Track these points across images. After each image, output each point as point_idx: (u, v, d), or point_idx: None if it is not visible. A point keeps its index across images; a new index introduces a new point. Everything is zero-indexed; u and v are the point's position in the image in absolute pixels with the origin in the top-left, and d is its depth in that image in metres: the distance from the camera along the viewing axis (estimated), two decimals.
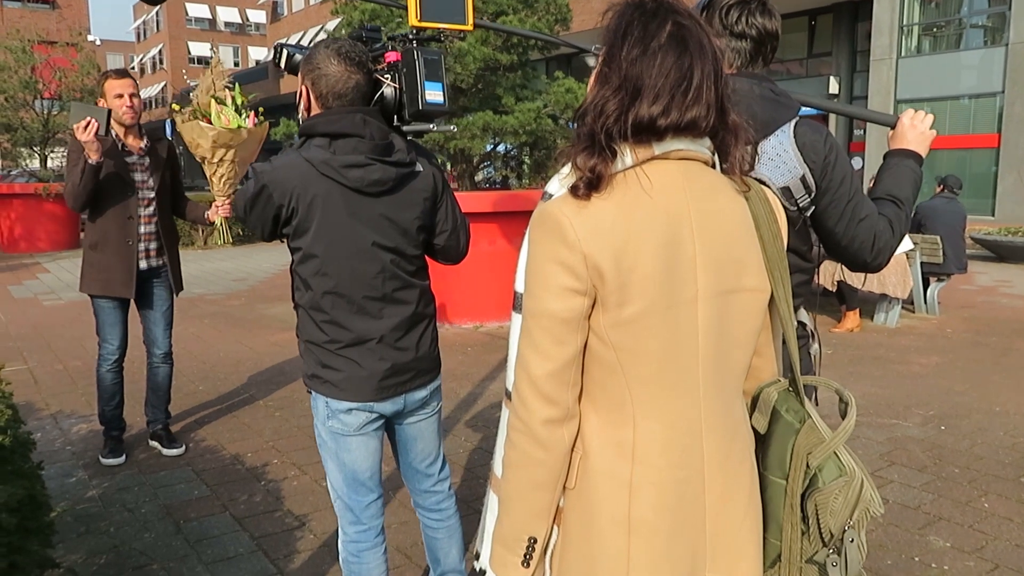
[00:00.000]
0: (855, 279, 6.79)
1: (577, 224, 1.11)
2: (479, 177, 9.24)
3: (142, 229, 3.72)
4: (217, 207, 3.51)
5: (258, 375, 5.51)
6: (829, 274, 6.91)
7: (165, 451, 3.96)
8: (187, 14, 57.92)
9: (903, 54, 19.77)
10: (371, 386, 1.97)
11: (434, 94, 1.99)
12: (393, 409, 2.05)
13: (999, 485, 3.62)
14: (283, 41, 2.28)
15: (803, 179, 1.69)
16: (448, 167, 9.00)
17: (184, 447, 4.02)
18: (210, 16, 58.80)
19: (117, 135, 3.66)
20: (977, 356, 6.04)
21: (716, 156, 1.22)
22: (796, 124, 1.71)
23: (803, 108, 1.82)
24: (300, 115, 2.00)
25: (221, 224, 3.57)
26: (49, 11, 37.30)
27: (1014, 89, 17.44)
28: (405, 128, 2.03)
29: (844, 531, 1.22)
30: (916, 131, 1.85)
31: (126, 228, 3.67)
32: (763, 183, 1.71)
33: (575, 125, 1.21)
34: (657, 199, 1.13)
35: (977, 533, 3.16)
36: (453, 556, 2.27)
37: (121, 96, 3.61)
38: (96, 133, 3.35)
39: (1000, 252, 11.74)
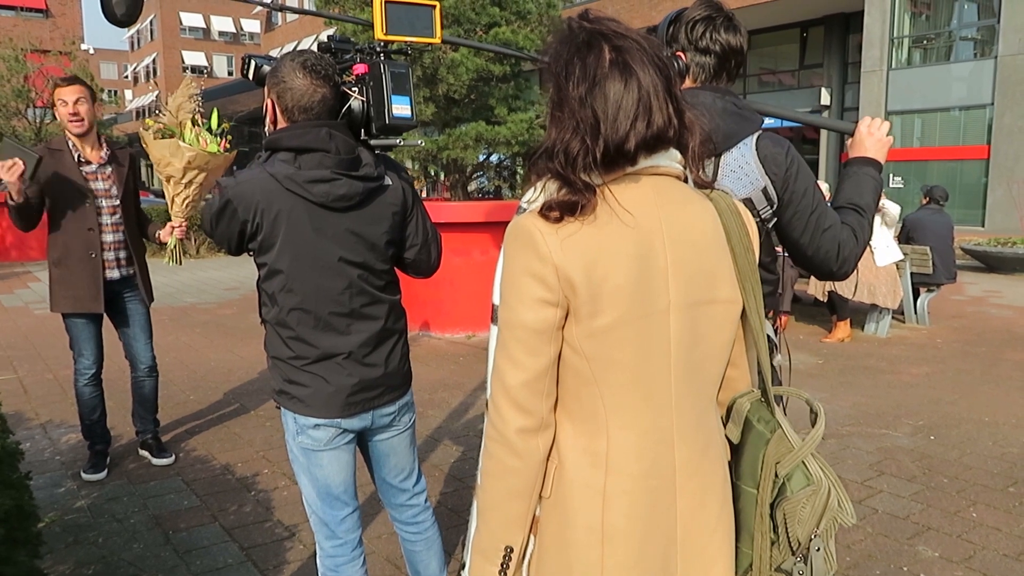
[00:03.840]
0: (846, 289, 6.82)
1: (549, 237, 1.13)
2: (472, 187, 9.26)
3: (108, 238, 3.63)
4: (172, 227, 3.46)
5: (249, 384, 5.50)
6: (820, 284, 6.95)
7: (155, 460, 3.95)
8: (181, 23, 58.00)
9: (894, 66, 19.93)
10: (338, 402, 1.95)
11: (401, 108, 1.98)
12: (361, 425, 2.03)
13: (987, 495, 3.63)
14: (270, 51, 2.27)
15: (765, 191, 1.72)
16: (441, 177, 9.03)
17: (174, 456, 4.01)
18: (204, 25, 58.88)
19: (74, 144, 3.57)
20: (966, 366, 6.08)
21: (687, 170, 1.24)
22: (759, 137, 1.74)
23: (766, 121, 1.85)
24: (266, 128, 1.98)
25: (174, 246, 3.51)
26: (43, 20, 37.30)
27: (1003, 101, 17.58)
28: (373, 142, 2.01)
29: (811, 540, 1.24)
30: (873, 138, 1.88)
31: (87, 240, 3.56)
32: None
33: (533, 164, 1.21)
34: (628, 213, 1.15)
35: (965, 543, 3.17)
36: (433, 568, 2.27)
37: (65, 103, 3.46)
38: (22, 175, 3.23)
39: (990, 263, 11.81)
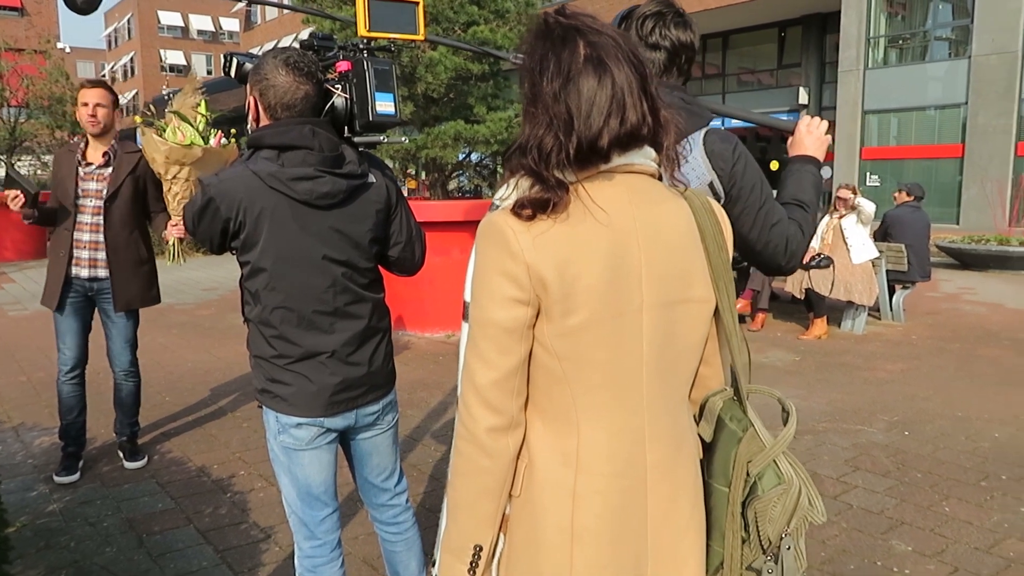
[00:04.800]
0: (822, 287, 6.88)
1: (521, 235, 1.13)
2: (452, 186, 9.24)
3: (85, 237, 3.64)
4: (172, 226, 3.43)
5: (227, 386, 5.46)
6: (797, 282, 7.01)
7: (127, 464, 3.91)
8: (159, 22, 57.41)
9: (870, 65, 20.13)
10: (321, 401, 1.94)
11: (385, 105, 1.97)
12: (344, 424, 2.02)
13: (960, 489, 3.68)
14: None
15: (711, 185, 1.74)
16: (423, 176, 9.01)
17: (146, 459, 3.97)
18: (183, 24, 58.32)
19: (84, 146, 3.68)
20: (941, 362, 6.15)
21: (662, 168, 1.24)
22: (707, 133, 1.76)
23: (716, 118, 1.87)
24: (249, 126, 1.96)
25: (174, 244, 3.48)
26: (18, 18, 36.80)
27: (977, 100, 17.82)
28: (357, 139, 2.00)
29: (782, 538, 1.24)
30: (812, 137, 1.90)
31: (62, 239, 3.65)
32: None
33: (507, 160, 1.21)
34: (602, 211, 1.15)
35: (938, 537, 3.21)
36: (412, 568, 2.26)
37: (86, 105, 3.60)
38: (24, 205, 3.49)
39: (964, 260, 11.97)
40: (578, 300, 1.12)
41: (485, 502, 1.19)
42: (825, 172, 21.21)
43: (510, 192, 1.20)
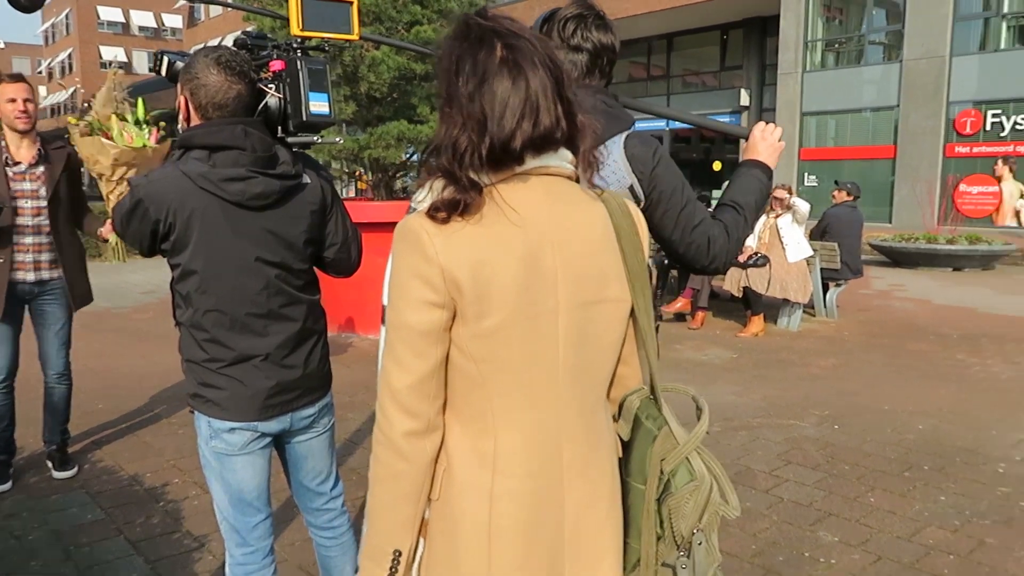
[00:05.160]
0: (759, 285, 7.05)
1: (436, 237, 1.14)
2: (398, 186, 9.19)
3: (28, 240, 3.55)
4: (111, 225, 3.38)
5: (163, 392, 5.34)
6: (735, 280, 7.17)
7: (55, 474, 3.80)
8: (99, 18, 55.65)
9: (808, 68, 20.66)
10: (255, 405, 1.92)
11: (319, 105, 1.97)
12: (279, 428, 2.00)
13: (885, 480, 3.82)
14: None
15: (632, 188, 1.77)
16: (368, 176, 8.93)
17: (76, 468, 3.86)
18: (123, 20, 56.63)
19: (5, 144, 3.54)
20: (870, 358, 6.36)
21: (579, 170, 1.27)
22: (628, 136, 1.79)
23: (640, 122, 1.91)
24: (180, 126, 1.94)
25: (117, 243, 3.43)
26: None
27: (908, 103, 18.47)
28: (290, 139, 1.99)
29: (693, 534, 1.28)
30: (766, 143, 1.95)
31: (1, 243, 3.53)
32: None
33: (424, 162, 1.22)
34: (516, 213, 1.16)
35: (863, 527, 3.33)
36: (348, 573, 2.25)
37: (14, 101, 3.47)
38: None
39: (895, 257, 12.40)
40: (493, 302, 1.14)
41: (403, 506, 1.20)
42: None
43: (426, 195, 1.21)
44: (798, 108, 20.70)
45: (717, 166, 22.40)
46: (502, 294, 1.14)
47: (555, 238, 1.19)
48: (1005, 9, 17.68)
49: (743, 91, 24.08)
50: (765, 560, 3.06)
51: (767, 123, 1.99)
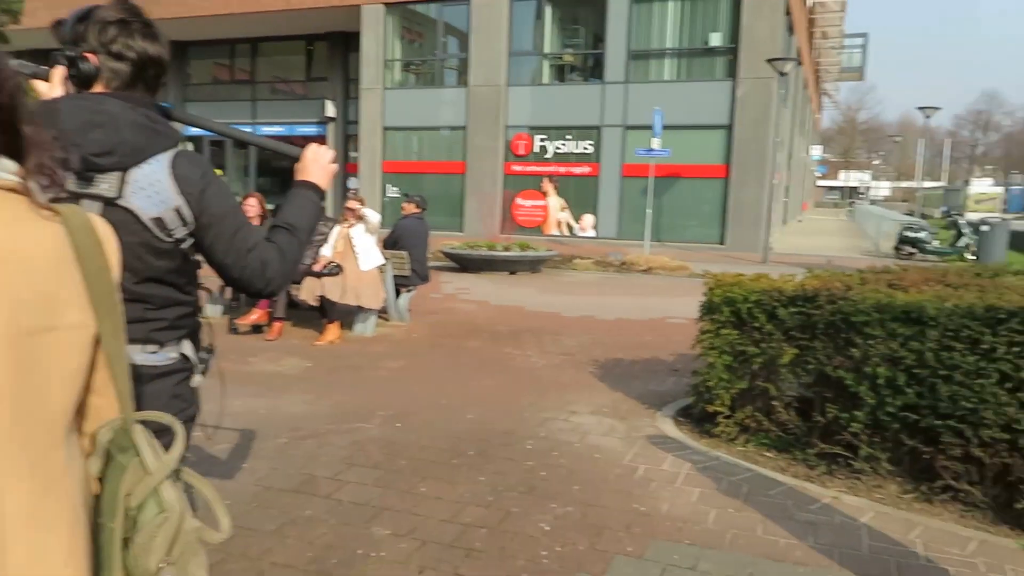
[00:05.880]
0: (334, 293, 7.23)
1: None
2: None
3: None
4: None
5: None
6: (311, 289, 7.24)
7: None
8: None
9: (389, 85, 21.89)
10: None
11: None
12: None
13: (435, 469, 4.17)
14: None
15: (178, 210, 1.69)
16: None
17: None
18: None
19: None
20: (434, 357, 6.94)
21: (30, 183, 1.14)
22: (175, 155, 1.71)
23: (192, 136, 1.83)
24: None
25: None
26: None
27: (474, 124, 20.72)
28: None
29: (160, 568, 1.24)
30: (318, 164, 1.98)
31: None
32: (131, 212, 1.68)
33: None
34: None
35: (413, 516, 3.58)
36: None
37: None
38: None
39: (463, 263, 13.78)
40: None
41: None
42: (352, 183, 22.41)
43: None
44: (380, 123, 21.82)
45: None
46: None
47: None
48: (547, 49, 20.83)
49: (329, 103, 24.56)
50: (320, 565, 3.12)
51: (320, 144, 2.02)
